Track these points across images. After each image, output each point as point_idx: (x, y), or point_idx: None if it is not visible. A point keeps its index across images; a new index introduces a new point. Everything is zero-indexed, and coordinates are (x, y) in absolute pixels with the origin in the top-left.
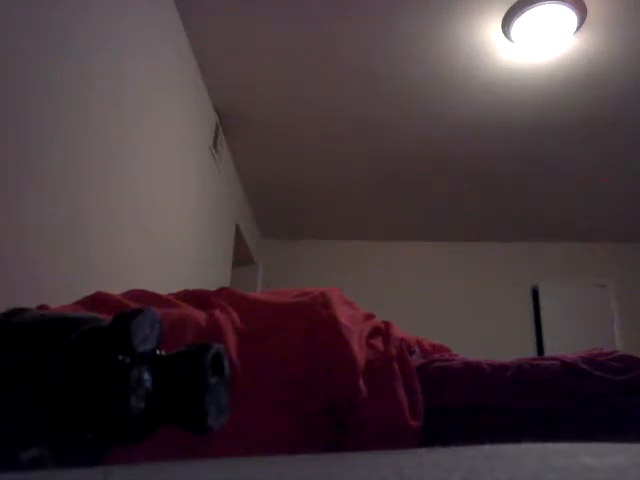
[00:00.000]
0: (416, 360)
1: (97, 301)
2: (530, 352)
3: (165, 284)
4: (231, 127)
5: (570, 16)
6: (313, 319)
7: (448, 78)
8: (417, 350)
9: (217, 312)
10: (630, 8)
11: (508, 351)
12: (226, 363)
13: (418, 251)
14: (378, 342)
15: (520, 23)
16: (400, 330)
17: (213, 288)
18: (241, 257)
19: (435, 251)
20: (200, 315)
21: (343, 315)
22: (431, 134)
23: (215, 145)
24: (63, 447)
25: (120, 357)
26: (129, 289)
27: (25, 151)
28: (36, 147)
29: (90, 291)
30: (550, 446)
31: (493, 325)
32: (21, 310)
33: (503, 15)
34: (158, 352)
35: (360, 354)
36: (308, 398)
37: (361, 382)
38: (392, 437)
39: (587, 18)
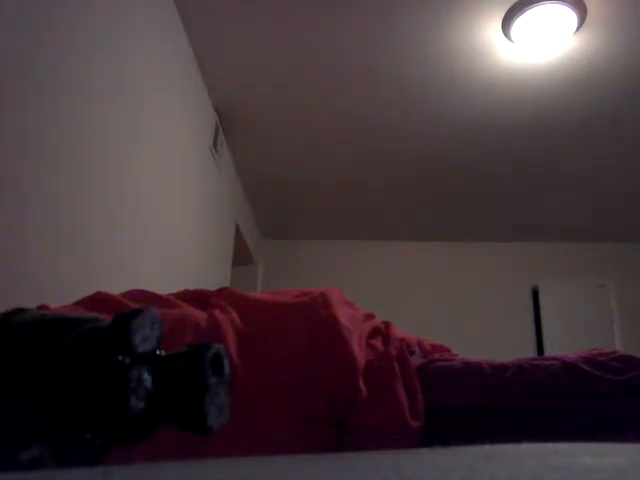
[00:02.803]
0: (416, 360)
1: (97, 301)
2: (530, 352)
3: (165, 284)
4: (231, 127)
5: (570, 16)
6: (313, 319)
7: (448, 78)
8: (417, 350)
9: (217, 312)
10: (630, 8)
11: (508, 351)
12: (226, 363)
13: (418, 251)
14: (378, 342)
15: (520, 23)
16: (400, 330)
17: (213, 288)
18: (241, 257)
19: (435, 251)
20: (200, 315)
21: (343, 315)
22: (431, 134)
23: (215, 145)
24: (63, 447)
25: (120, 357)
26: (129, 289)
27: (25, 151)
28: (36, 147)
29: (90, 291)
30: (550, 446)
31: (493, 325)
32: (21, 310)
33: (503, 15)
34: (158, 352)
35: (360, 354)
36: (308, 398)
37: (361, 382)
38: (392, 437)
39: (587, 18)
